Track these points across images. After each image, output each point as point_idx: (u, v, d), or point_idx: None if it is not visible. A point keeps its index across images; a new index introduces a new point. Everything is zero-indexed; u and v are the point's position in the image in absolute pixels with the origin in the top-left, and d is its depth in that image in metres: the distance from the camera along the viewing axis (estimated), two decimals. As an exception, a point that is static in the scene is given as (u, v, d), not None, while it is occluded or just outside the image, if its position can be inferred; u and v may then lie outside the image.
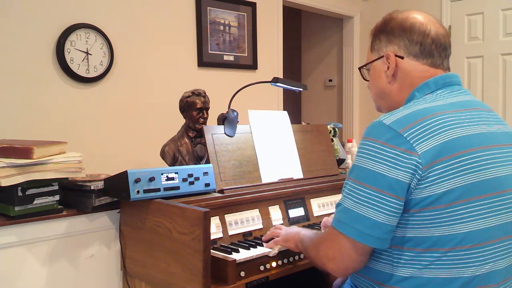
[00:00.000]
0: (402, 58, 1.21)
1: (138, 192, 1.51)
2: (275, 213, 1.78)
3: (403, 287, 1.08)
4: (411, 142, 1.03)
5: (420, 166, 1.02)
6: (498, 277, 1.09)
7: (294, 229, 1.48)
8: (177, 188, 1.59)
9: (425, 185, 1.02)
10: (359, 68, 1.37)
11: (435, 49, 1.20)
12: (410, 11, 1.24)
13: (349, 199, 1.09)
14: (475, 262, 1.06)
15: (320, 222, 1.74)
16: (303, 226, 1.81)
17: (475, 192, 1.05)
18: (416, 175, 1.02)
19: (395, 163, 1.03)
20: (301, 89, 2.17)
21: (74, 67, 2.62)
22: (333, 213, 1.91)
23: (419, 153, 1.02)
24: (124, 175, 1.50)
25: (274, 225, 1.66)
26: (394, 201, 1.03)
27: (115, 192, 1.58)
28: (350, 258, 1.10)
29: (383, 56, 1.24)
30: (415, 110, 1.09)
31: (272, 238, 1.54)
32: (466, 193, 1.04)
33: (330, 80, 4.96)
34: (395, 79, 1.23)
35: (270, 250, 1.50)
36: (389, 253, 1.10)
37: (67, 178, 1.58)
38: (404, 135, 1.04)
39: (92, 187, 1.60)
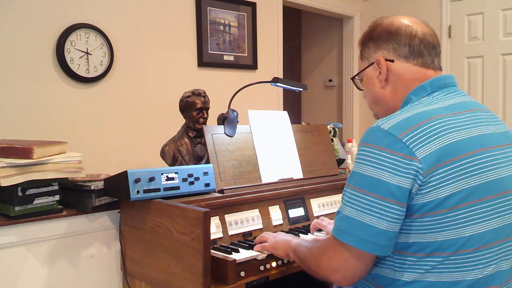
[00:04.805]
0: (392, 61, 1.21)
1: (138, 192, 1.51)
2: (275, 213, 1.78)
3: None
4: (410, 147, 1.01)
5: (421, 172, 1.00)
6: (502, 278, 1.08)
7: (284, 236, 1.45)
8: (177, 188, 1.59)
9: (427, 190, 1.01)
10: (352, 79, 1.36)
11: (424, 49, 1.19)
12: (395, 16, 1.25)
13: (349, 206, 1.06)
14: (479, 264, 1.05)
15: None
16: (303, 226, 1.82)
17: (477, 195, 1.04)
18: (417, 181, 1.01)
19: (395, 169, 1.01)
20: (301, 89, 2.17)
21: (74, 67, 2.62)
22: (332, 213, 1.93)
23: (419, 158, 1.00)
24: (124, 175, 1.50)
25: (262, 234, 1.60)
26: (396, 207, 1.02)
27: (115, 192, 1.58)
28: (356, 267, 1.07)
29: (373, 63, 1.24)
30: (413, 114, 1.08)
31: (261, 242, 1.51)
32: (469, 196, 1.03)
33: (330, 80, 4.96)
34: (388, 83, 1.22)
35: (258, 253, 1.48)
36: (392, 258, 1.09)
37: (67, 178, 1.58)
38: (403, 140, 1.02)
39: (92, 187, 1.60)
